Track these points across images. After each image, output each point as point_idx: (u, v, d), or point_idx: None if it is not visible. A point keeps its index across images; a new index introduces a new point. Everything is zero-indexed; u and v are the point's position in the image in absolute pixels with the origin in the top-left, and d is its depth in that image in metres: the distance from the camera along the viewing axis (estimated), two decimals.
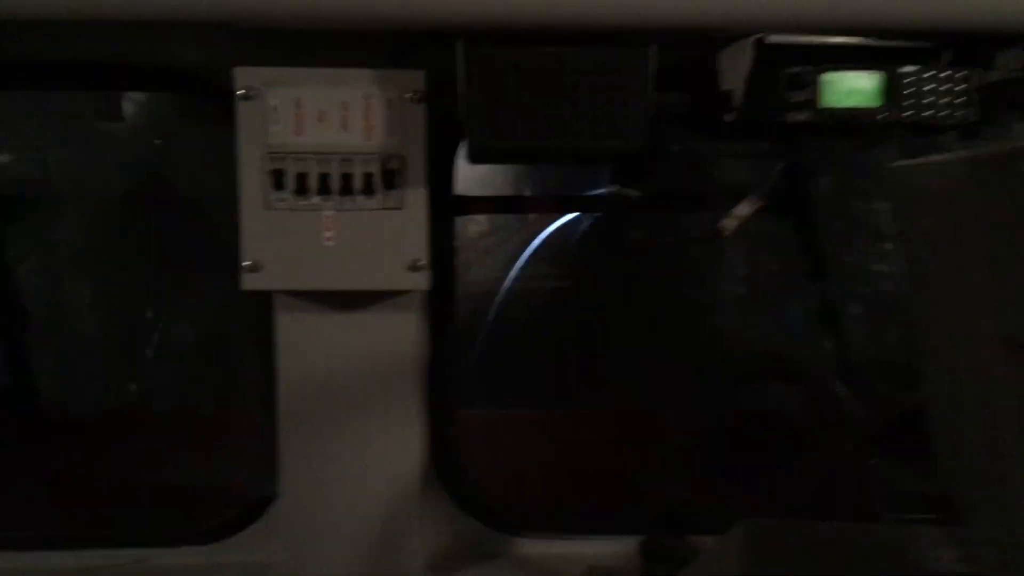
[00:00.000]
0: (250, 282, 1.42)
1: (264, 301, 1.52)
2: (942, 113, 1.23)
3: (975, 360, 0.93)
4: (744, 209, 1.47)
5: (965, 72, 1.24)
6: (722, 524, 0.95)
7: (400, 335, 1.52)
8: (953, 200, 0.95)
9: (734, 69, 1.24)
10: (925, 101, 1.23)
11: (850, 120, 1.23)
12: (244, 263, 1.41)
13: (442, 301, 1.61)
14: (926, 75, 1.23)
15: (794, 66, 1.21)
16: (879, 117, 1.22)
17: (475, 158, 1.31)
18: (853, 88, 1.23)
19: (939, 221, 0.99)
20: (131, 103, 4.19)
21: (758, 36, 1.20)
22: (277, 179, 1.40)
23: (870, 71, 1.23)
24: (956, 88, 1.23)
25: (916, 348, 0.98)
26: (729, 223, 1.47)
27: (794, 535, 0.78)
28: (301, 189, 1.40)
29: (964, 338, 0.96)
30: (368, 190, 1.41)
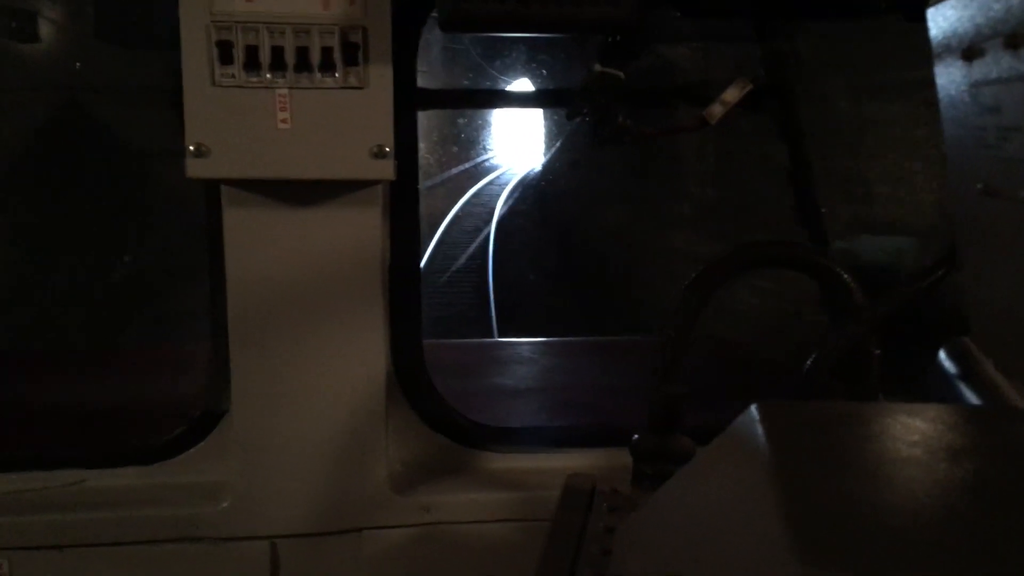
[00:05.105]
0: (195, 169, 1.27)
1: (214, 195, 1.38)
2: None
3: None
4: (732, 94, 1.37)
5: None
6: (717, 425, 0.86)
7: (361, 232, 1.40)
8: None
9: None
10: None
11: None
12: (188, 146, 1.26)
13: (405, 197, 1.48)
14: None
15: None
16: None
17: (447, 25, 1.18)
18: None
19: None
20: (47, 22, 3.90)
21: None
22: (224, 52, 1.25)
23: None
24: None
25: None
26: (716, 109, 1.37)
27: (809, 414, 0.71)
28: (251, 64, 1.26)
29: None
30: (327, 67, 1.27)
